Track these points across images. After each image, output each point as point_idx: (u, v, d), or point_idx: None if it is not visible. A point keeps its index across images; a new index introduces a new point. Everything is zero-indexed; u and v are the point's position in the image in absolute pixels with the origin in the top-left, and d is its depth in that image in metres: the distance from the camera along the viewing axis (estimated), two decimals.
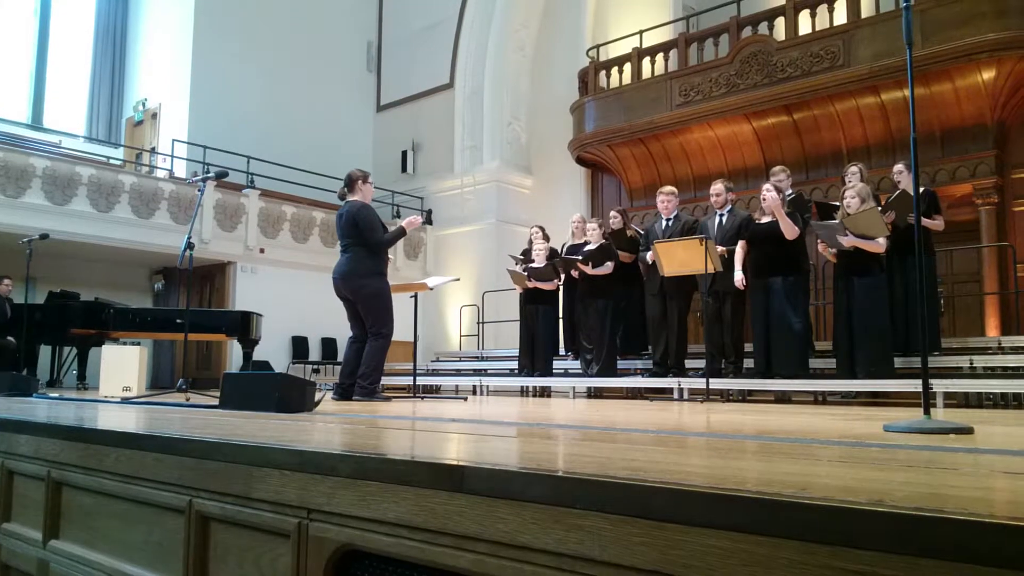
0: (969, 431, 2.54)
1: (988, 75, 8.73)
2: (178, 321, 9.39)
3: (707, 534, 1.05)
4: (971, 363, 6.56)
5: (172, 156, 12.38)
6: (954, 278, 9.49)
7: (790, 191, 7.19)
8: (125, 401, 5.03)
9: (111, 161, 12.83)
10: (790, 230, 6.47)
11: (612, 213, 8.55)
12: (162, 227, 11.20)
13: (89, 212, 10.59)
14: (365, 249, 5.47)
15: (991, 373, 6.42)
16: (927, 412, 2.71)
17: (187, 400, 4.72)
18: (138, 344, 8.26)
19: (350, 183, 5.62)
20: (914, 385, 5.69)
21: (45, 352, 9.96)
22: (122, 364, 5.90)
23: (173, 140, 12.53)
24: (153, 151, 13.69)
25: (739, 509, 1.04)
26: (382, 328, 5.50)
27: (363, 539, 1.54)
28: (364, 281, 5.47)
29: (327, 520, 1.62)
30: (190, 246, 5.38)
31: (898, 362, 6.34)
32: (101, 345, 8.63)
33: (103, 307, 9.58)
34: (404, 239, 10.09)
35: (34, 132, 13.85)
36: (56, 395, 6.23)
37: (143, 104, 14.67)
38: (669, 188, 7.88)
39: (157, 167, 13.07)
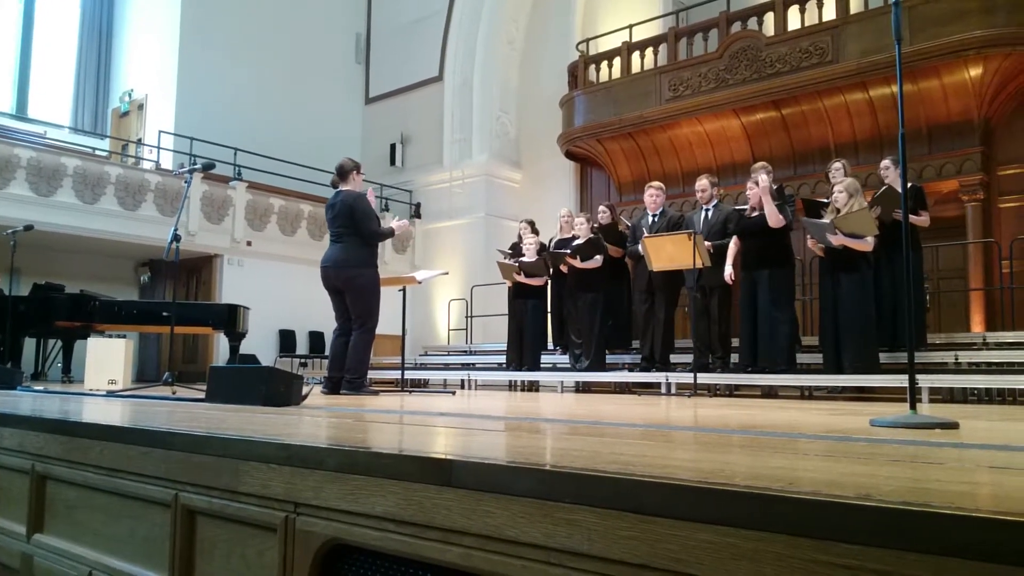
0: (954, 426, 2.56)
1: (975, 72, 8.78)
2: (164, 314, 9.33)
3: (695, 528, 1.05)
4: (956, 359, 6.61)
5: (158, 147, 12.30)
6: (940, 274, 9.56)
7: (775, 186, 7.21)
8: (110, 394, 5.00)
9: (97, 152, 12.71)
10: (775, 217, 6.49)
11: (601, 208, 8.56)
12: (148, 219, 11.13)
13: (74, 204, 10.50)
14: (359, 239, 5.45)
15: (976, 369, 6.48)
16: (913, 407, 2.73)
17: (173, 393, 4.69)
18: (124, 337, 8.21)
19: (343, 172, 5.60)
20: (900, 380, 5.73)
21: (29, 345, 9.89)
22: (107, 357, 5.87)
23: (160, 131, 12.44)
24: (139, 142, 13.60)
25: (727, 503, 1.04)
26: (367, 321, 5.49)
27: (350, 533, 1.54)
28: (358, 271, 5.44)
29: (314, 514, 1.62)
30: (176, 238, 5.36)
31: (883, 357, 6.38)
32: (86, 338, 8.59)
33: (88, 299, 9.51)
34: None
35: (18, 122, 13.72)
36: (40, 388, 6.18)
37: (129, 95, 14.55)
38: (657, 183, 7.90)
39: (143, 158, 12.98)
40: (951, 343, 7.26)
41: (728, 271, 6.82)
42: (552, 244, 8.46)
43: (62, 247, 11.45)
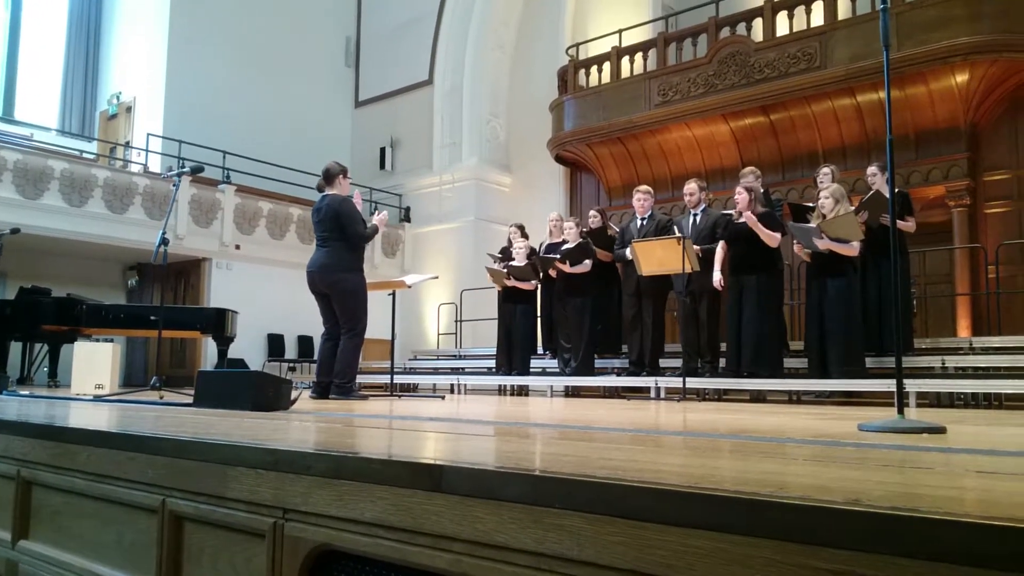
0: (942, 431, 2.57)
1: (961, 78, 8.85)
2: (152, 318, 9.27)
3: (685, 533, 1.05)
4: (943, 363, 6.64)
5: (147, 150, 12.24)
6: (927, 279, 9.61)
7: (762, 190, 7.24)
8: (97, 399, 4.97)
9: (84, 155, 12.63)
10: (771, 239, 6.53)
11: (592, 212, 8.58)
12: (136, 222, 11.06)
13: (61, 206, 10.43)
14: (345, 243, 5.44)
15: (962, 373, 6.51)
16: (901, 412, 2.74)
17: (161, 398, 4.66)
18: (111, 341, 8.16)
19: (329, 176, 5.58)
20: (887, 385, 5.76)
21: (15, 349, 9.79)
22: (94, 361, 5.82)
23: (148, 134, 12.37)
24: (127, 145, 13.52)
25: (717, 508, 1.04)
26: (356, 325, 5.47)
27: (339, 539, 1.53)
28: (344, 276, 5.42)
29: (303, 520, 1.61)
30: (164, 242, 5.33)
31: (870, 362, 6.40)
32: (73, 342, 8.51)
33: (75, 303, 9.44)
34: (380, 236, 10.08)
35: (5, 124, 13.61)
36: (26, 392, 6.14)
37: (117, 97, 14.48)
38: (645, 187, 7.91)
39: (131, 161, 12.90)
40: (937, 348, 7.29)
41: (717, 276, 6.84)
42: (542, 248, 8.46)
43: (49, 250, 11.37)
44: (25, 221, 9.39)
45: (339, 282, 5.41)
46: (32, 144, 11.95)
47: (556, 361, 8.40)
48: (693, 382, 6.67)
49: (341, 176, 5.59)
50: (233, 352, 10.26)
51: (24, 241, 9.41)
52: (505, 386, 8.95)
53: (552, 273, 8.11)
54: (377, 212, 5.95)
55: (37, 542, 2.44)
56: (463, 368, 10.23)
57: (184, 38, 13.52)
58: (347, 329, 5.44)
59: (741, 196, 6.69)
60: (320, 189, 5.66)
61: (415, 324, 13.55)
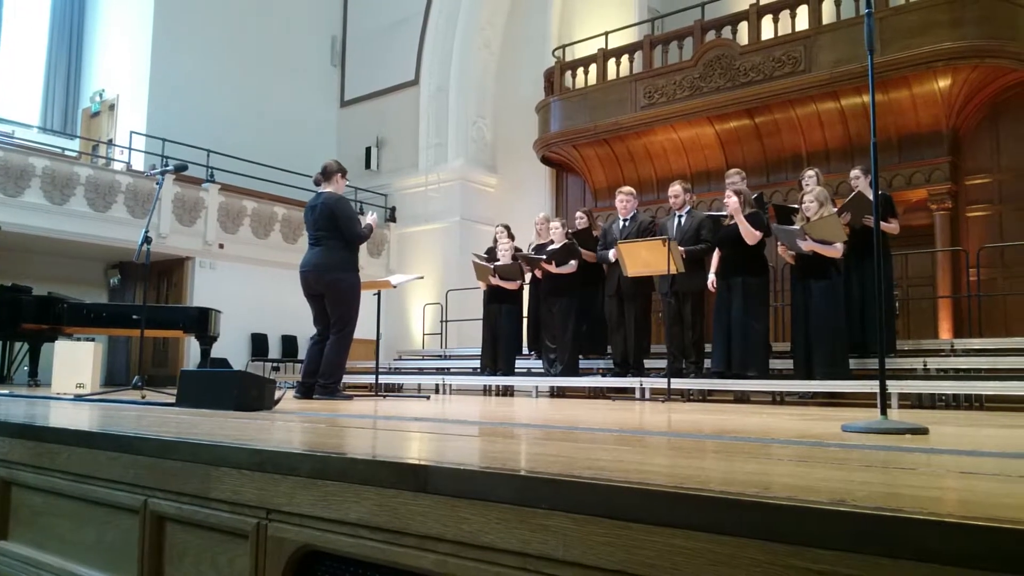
0: (924, 431, 2.59)
1: (944, 83, 8.93)
2: (134, 317, 9.20)
3: (671, 534, 1.05)
4: (925, 365, 6.70)
5: (130, 148, 12.13)
6: (909, 281, 9.70)
7: (754, 194, 7.27)
8: (78, 398, 4.92)
9: (66, 153, 12.52)
10: (750, 235, 6.56)
11: (579, 213, 8.59)
12: (119, 221, 10.97)
13: (43, 204, 10.33)
14: (340, 242, 5.40)
15: (944, 375, 6.57)
16: (884, 413, 2.76)
17: (143, 398, 4.63)
18: (92, 340, 8.08)
19: (328, 173, 5.54)
20: (870, 386, 5.80)
21: None
22: (76, 360, 5.78)
23: (131, 132, 12.26)
24: (110, 143, 13.40)
25: (703, 509, 1.05)
26: (347, 325, 5.43)
27: (324, 540, 1.52)
28: (342, 275, 5.38)
29: (287, 520, 1.60)
30: (147, 240, 5.29)
31: (853, 363, 6.45)
32: (54, 340, 8.42)
33: (56, 301, 9.35)
34: None
35: None
36: (6, 392, 6.07)
37: (100, 95, 14.35)
38: (627, 188, 7.92)
39: (114, 159, 12.80)
40: (920, 349, 7.36)
41: (711, 278, 6.88)
42: (529, 249, 8.47)
43: (30, 248, 11.26)
44: (6, 219, 9.31)
45: (336, 282, 5.36)
46: (13, 141, 11.81)
47: (541, 362, 8.41)
48: (678, 383, 6.69)
49: (339, 175, 5.56)
50: (216, 352, 10.20)
51: (4, 239, 9.33)
52: (490, 386, 8.94)
53: (538, 273, 8.11)
54: (370, 213, 5.91)
55: (16, 543, 2.42)
56: (448, 368, 10.21)
57: (168, 35, 13.42)
58: (338, 328, 5.39)
59: (731, 200, 6.71)
60: (317, 184, 5.63)
61: (400, 324, 13.51)
